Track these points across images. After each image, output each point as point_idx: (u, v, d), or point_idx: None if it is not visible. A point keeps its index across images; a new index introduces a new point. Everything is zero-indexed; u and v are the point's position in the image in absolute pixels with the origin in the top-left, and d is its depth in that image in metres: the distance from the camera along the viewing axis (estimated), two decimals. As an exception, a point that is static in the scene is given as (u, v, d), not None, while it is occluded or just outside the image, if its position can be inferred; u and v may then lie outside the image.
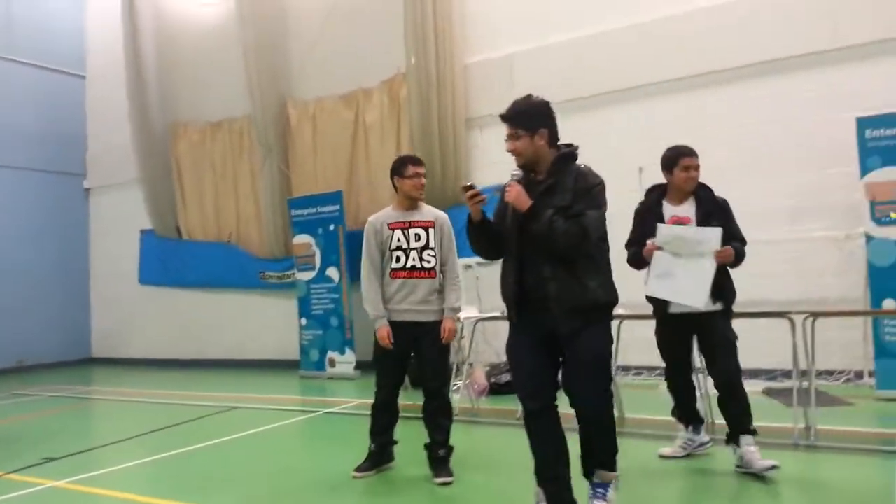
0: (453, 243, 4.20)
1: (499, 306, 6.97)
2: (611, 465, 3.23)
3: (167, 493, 4.11)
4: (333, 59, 9.74)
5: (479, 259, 8.13)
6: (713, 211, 3.95)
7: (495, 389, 6.94)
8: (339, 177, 9.68)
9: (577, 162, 3.21)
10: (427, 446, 4.09)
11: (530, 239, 3.09)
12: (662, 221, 3.97)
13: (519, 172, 3.22)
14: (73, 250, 12.71)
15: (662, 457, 4.19)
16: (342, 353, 8.98)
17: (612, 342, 3.24)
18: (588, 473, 3.24)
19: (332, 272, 9.08)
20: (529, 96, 3.25)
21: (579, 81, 7.60)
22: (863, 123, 5.84)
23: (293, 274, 9.66)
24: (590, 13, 7.96)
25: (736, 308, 5.43)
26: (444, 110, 8.69)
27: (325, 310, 9.17)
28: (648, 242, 3.92)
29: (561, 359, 3.18)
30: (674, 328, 4.08)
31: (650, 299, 4.07)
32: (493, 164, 8.62)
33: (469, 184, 3.18)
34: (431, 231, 4.10)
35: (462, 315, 6.17)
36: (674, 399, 4.30)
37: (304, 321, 9.37)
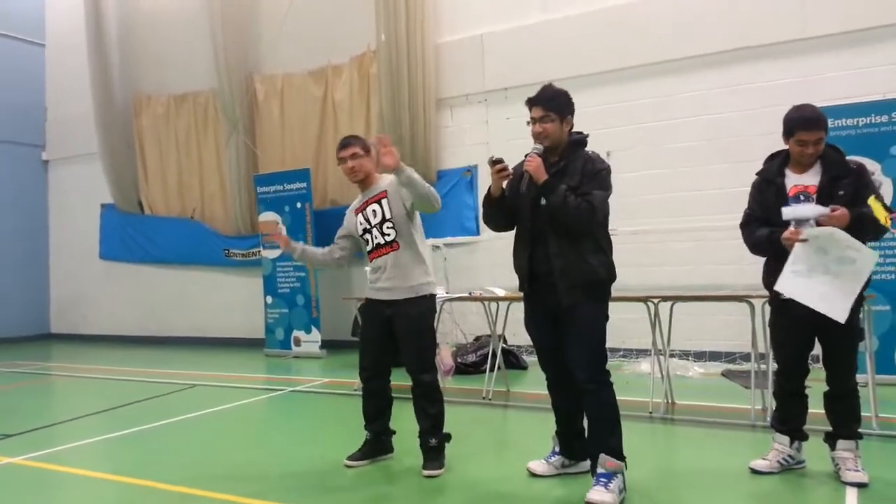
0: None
1: (465, 287, 7.04)
2: (616, 452, 3.22)
3: (128, 471, 4.05)
4: (302, 34, 9.57)
5: (447, 240, 8.21)
6: (841, 176, 3.34)
7: (462, 370, 6.98)
8: (307, 154, 9.56)
9: (586, 148, 3.38)
10: (419, 435, 3.87)
11: (541, 215, 3.27)
12: (785, 193, 3.41)
13: (540, 147, 3.32)
14: (31, 224, 12.36)
15: (754, 471, 3.58)
16: (308, 331, 8.94)
17: (606, 319, 3.32)
18: (593, 461, 3.25)
19: (299, 250, 8.97)
20: (552, 84, 3.43)
21: (549, 64, 7.59)
22: (824, 113, 5.95)
23: (258, 251, 9.55)
24: (562, -5, 7.95)
25: (698, 292, 5.55)
26: (414, 89, 8.62)
27: (291, 288, 9.10)
28: (791, 228, 3.29)
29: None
30: (788, 318, 3.47)
31: (769, 283, 3.50)
32: (464, 145, 8.63)
33: (498, 157, 3.32)
34: (384, 202, 3.88)
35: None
36: (778, 405, 3.68)
37: (269, 299, 9.28)
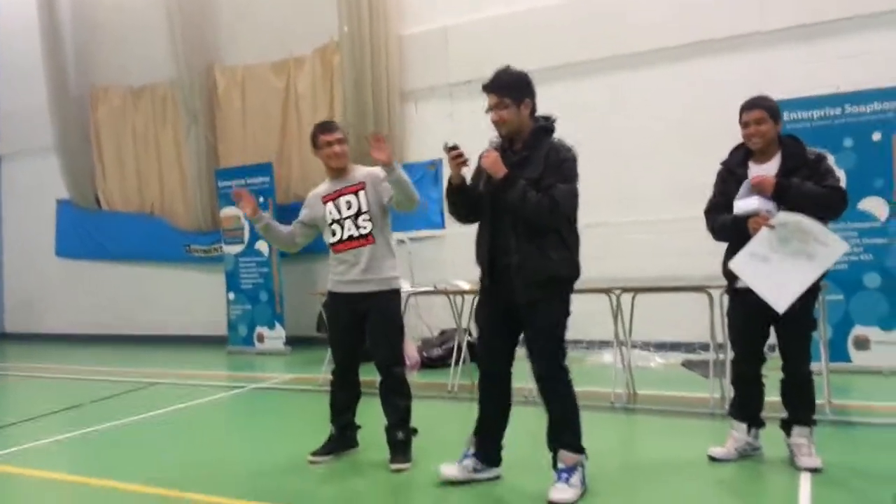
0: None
1: (430, 280, 7.02)
2: (574, 446, 3.21)
3: (87, 471, 3.97)
4: (264, 25, 9.44)
5: (412, 233, 8.19)
6: (797, 167, 3.41)
7: (427, 363, 6.98)
8: (270, 147, 9.44)
9: (554, 135, 3.29)
10: (386, 429, 3.84)
11: (502, 208, 3.18)
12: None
13: (497, 140, 3.26)
14: (-18, 220, 12.01)
15: (712, 458, 3.63)
16: (272, 327, 8.84)
17: (567, 315, 3.25)
18: (554, 456, 3.24)
19: (262, 246, 8.88)
20: (509, 67, 3.31)
21: (513, 57, 7.34)
22: (780, 106, 6.07)
23: (220, 247, 9.40)
24: (524, -12, 7.96)
25: (657, 283, 5.62)
26: (378, 81, 8.56)
27: (254, 284, 8.98)
28: (762, 214, 3.36)
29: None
30: (743, 307, 3.55)
31: (727, 272, 3.57)
32: (429, 137, 8.58)
33: (453, 144, 3.21)
34: (362, 194, 3.81)
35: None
36: (736, 393, 3.73)
37: (232, 295, 9.15)
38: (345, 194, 3.85)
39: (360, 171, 3.93)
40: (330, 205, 3.88)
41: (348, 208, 3.83)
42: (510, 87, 3.22)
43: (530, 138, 3.24)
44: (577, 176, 3.19)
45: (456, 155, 3.19)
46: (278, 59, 9.42)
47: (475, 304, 3.54)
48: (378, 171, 3.77)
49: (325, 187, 3.98)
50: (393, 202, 3.78)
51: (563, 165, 3.14)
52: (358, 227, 3.81)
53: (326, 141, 3.84)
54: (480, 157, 3.25)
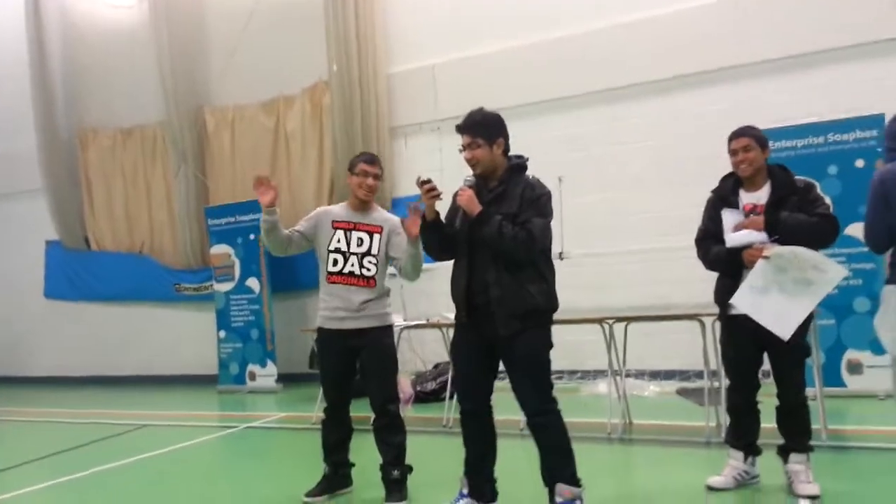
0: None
1: (423, 314, 7.01)
2: (570, 479, 3.16)
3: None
4: (253, 66, 9.52)
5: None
6: (787, 195, 3.47)
7: (421, 398, 6.92)
8: (260, 185, 9.46)
9: (527, 173, 3.33)
10: (381, 467, 3.80)
11: (478, 244, 3.19)
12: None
13: (472, 178, 3.29)
14: (-31, 263, 11.89)
15: (711, 487, 3.61)
16: (263, 365, 8.76)
17: (549, 347, 3.23)
18: (550, 491, 3.18)
19: (253, 283, 8.86)
20: (482, 108, 3.36)
21: (500, 93, 7.68)
22: (766, 135, 6.18)
23: (210, 285, 9.36)
24: (510, 26, 8.10)
25: (650, 312, 5.64)
26: (367, 119, 8.65)
27: (245, 321, 8.92)
28: (755, 246, 3.41)
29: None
30: (735, 334, 3.59)
31: (719, 299, 3.62)
32: (418, 173, 8.62)
33: (426, 178, 3.24)
34: (377, 237, 3.79)
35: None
36: (731, 421, 3.75)
37: (222, 334, 9.09)
38: (360, 230, 3.82)
39: (382, 215, 3.93)
40: (340, 232, 3.82)
41: (359, 245, 3.80)
42: (482, 127, 3.27)
43: (504, 175, 3.28)
44: (552, 212, 3.25)
45: (429, 188, 3.23)
46: (268, 98, 9.51)
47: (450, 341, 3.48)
48: (397, 222, 3.80)
49: (340, 212, 3.91)
50: (397, 266, 3.79)
51: (538, 201, 3.20)
52: (362, 267, 3.77)
53: (364, 170, 3.84)
54: (455, 195, 3.28)
